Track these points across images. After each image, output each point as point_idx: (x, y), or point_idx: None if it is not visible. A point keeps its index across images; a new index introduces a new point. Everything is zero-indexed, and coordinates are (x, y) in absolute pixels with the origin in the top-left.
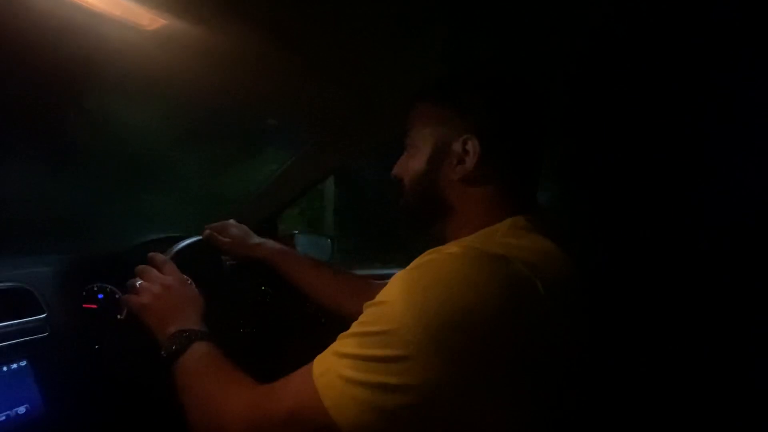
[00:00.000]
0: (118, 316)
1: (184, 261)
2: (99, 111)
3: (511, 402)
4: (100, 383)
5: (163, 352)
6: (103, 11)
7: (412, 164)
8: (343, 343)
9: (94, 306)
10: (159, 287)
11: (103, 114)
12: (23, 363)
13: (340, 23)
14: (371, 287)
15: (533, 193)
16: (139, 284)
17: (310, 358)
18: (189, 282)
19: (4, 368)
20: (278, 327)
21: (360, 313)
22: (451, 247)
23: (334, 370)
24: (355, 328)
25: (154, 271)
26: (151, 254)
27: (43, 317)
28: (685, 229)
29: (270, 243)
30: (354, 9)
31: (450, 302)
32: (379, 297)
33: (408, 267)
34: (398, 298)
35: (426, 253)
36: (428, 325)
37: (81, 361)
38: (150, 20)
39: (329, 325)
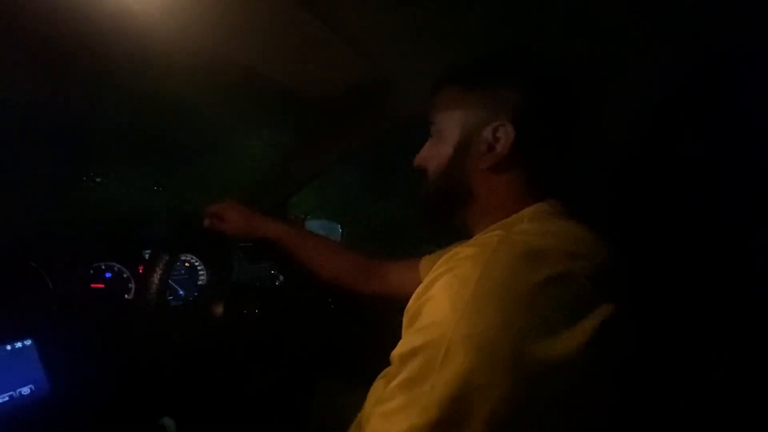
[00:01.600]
0: (126, 296)
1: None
2: (101, 82)
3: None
4: (106, 364)
5: None
6: None
7: (437, 152)
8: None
9: (102, 285)
10: None
11: (105, 84)
12: (28, 342)
13: None
14: (380, 266)
15: (560, 180)
16: None
17: (318, 342)
18: None
19: (8, 347)
20: (287, 311)
21: (365, 293)
22: (490, 241)
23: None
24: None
25: None
26: None
27: (49, 296)
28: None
29: (274, 221)
30: None
31: (500, 314)
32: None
33: (444, 272)
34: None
35: (457, 250)
36: (476, 341)
37: (87, 340)
38: None
39: (338, 309)
